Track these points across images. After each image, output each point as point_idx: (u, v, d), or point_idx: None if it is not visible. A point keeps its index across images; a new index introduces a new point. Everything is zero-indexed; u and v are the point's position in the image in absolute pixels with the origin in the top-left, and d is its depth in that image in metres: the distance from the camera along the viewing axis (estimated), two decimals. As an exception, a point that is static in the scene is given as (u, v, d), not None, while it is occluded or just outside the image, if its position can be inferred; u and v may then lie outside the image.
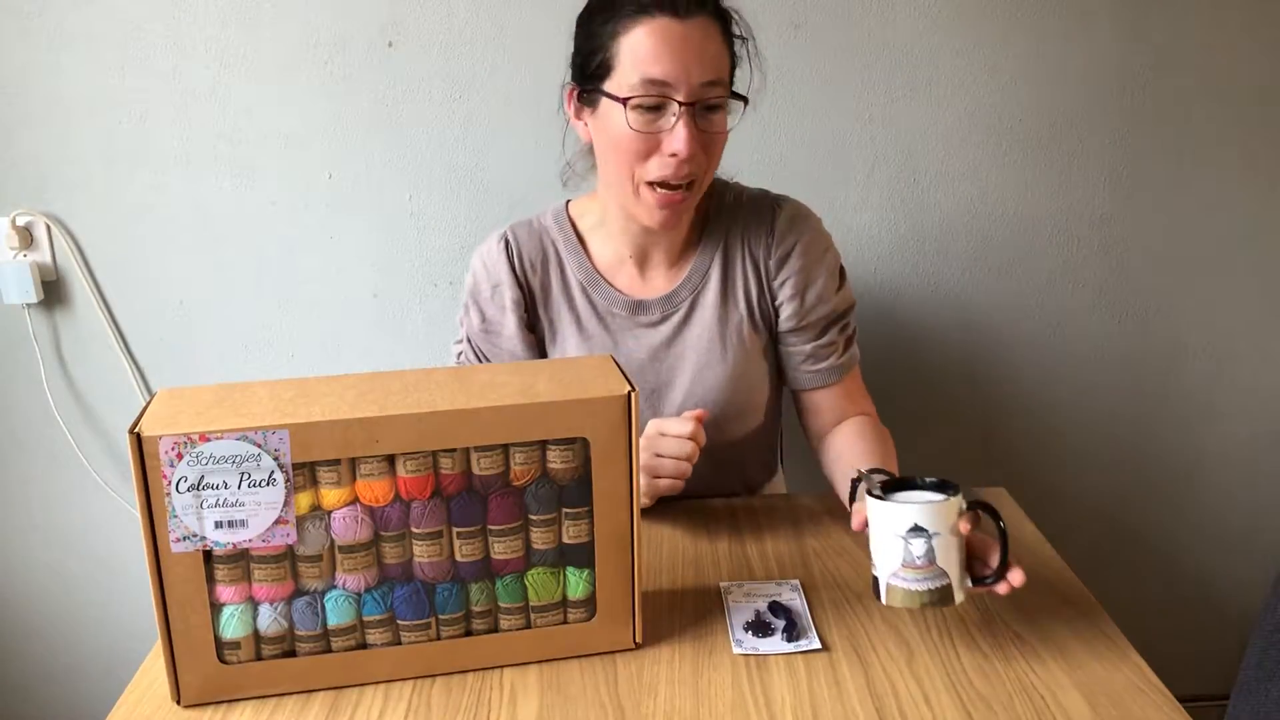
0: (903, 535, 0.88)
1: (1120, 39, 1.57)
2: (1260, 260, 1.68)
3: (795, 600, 1.02)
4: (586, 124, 1.13)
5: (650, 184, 1.08)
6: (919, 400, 1.72)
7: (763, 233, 1.20)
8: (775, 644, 0.95)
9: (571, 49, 1.13)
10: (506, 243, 1.22)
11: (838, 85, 1.57)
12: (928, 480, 0.94)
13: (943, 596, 0.90)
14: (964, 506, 0.90)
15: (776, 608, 1.00)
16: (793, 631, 0.96)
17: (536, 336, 1.23)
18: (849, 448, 1.18)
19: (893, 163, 1.61)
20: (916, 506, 0.88)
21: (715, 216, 1.21)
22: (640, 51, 1.03)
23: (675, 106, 1.04)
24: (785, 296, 1.21)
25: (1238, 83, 1.59)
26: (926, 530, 0.87)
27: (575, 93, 1.12)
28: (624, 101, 1.04)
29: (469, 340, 1.25)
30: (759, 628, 0.97)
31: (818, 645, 0.94)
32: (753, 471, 1.34)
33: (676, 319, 1.21)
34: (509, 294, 1.21)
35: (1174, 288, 1.69)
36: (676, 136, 1.04)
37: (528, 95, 1.56)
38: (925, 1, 1.54)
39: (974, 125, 1.60)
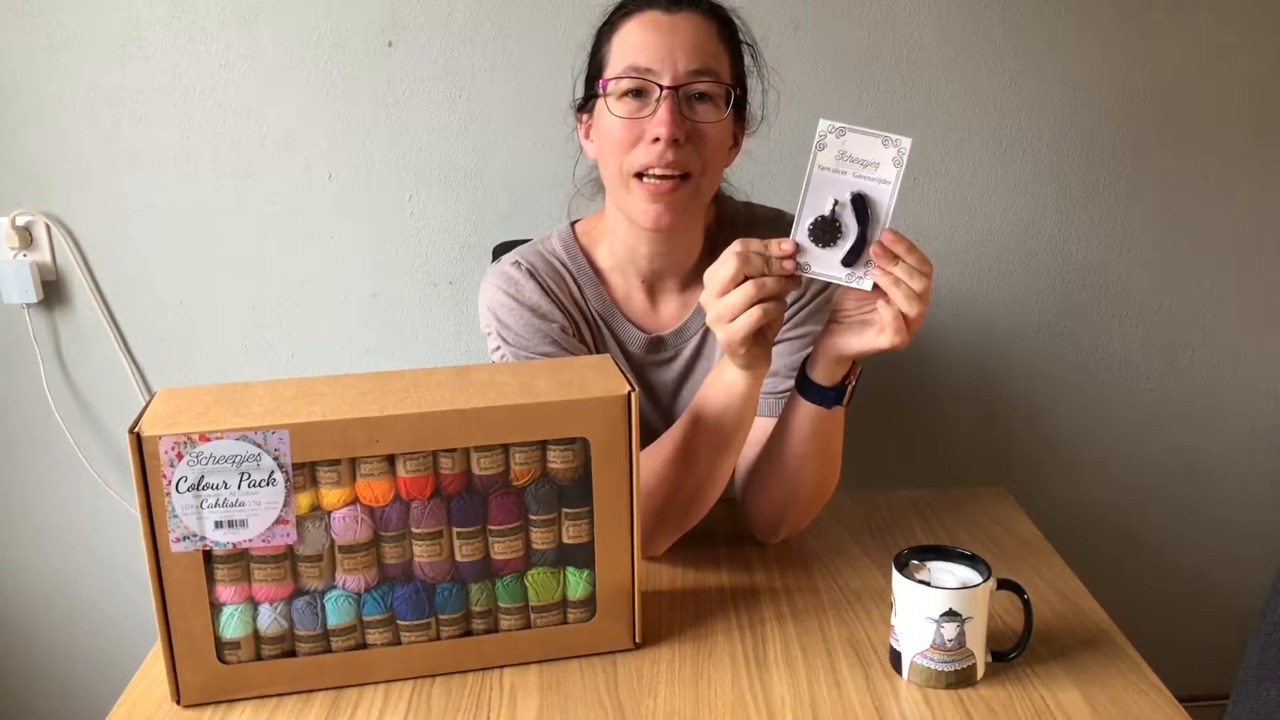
0: (936, 619, 0.87)
1: (1120, 39, 1.57)
2: (1260, 260, 1.68)
3: (885, 187, 0.89)
4: (592, 140, 1.12)
5: (638, 176, 1.05)
6: (919, 400, 1.72)
7: None
8: (829, 262, 0.90)
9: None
10: (530, 272, 1.14)
11: (838, 85, 1.57)
12: (958, 551, 0.93)
13: (967, 677, 0.89)
14: (995, 587, 0.89)
15: (860, 202, 0.89)
16: (855, 254, 0.89)
17: None
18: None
19: (893, 163, 1.61)
20: (953, 592, 0.87)
21: (725, 244, 1.17)
22: (628, 44, 1.05)
23: (657, 92, 1.03)
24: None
25: (1237, 82, 1.59)
26: (960, 615, 0.87)
27: (579, 109, 1.13)
28: (604, 85, 1.05)
29: None
30: (825, 230, 0.89)
31: (868, 285, 0.90)
32: None
33: (687, 354, 1.18)
34: (561, 324, 1.13)
35: (1174, 288, 1.69)
36: (657, 119, 1.03)
37: (528, 95, 1.56)
38: (925, 1, 1.54)
39: (974, 125, 1.60)
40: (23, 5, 1.49)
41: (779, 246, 0.91)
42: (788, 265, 0.90)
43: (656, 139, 1.03)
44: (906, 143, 0.87)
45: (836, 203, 0.90)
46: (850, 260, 0.90)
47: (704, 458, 1.03)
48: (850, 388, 1.02)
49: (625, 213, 1.10)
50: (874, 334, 0.93)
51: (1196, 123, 1.61)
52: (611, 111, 1.05)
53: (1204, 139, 1.62)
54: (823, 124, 0.88)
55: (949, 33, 1.55)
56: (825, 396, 1.01)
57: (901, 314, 0.90)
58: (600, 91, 1.07)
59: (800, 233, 0.91)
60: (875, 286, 0.90)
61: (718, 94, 1.05)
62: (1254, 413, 1.76)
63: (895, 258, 0.89)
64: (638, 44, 1.04)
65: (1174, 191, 1.64)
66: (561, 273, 1.16)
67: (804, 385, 1.02)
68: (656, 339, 1.17)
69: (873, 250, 0.89)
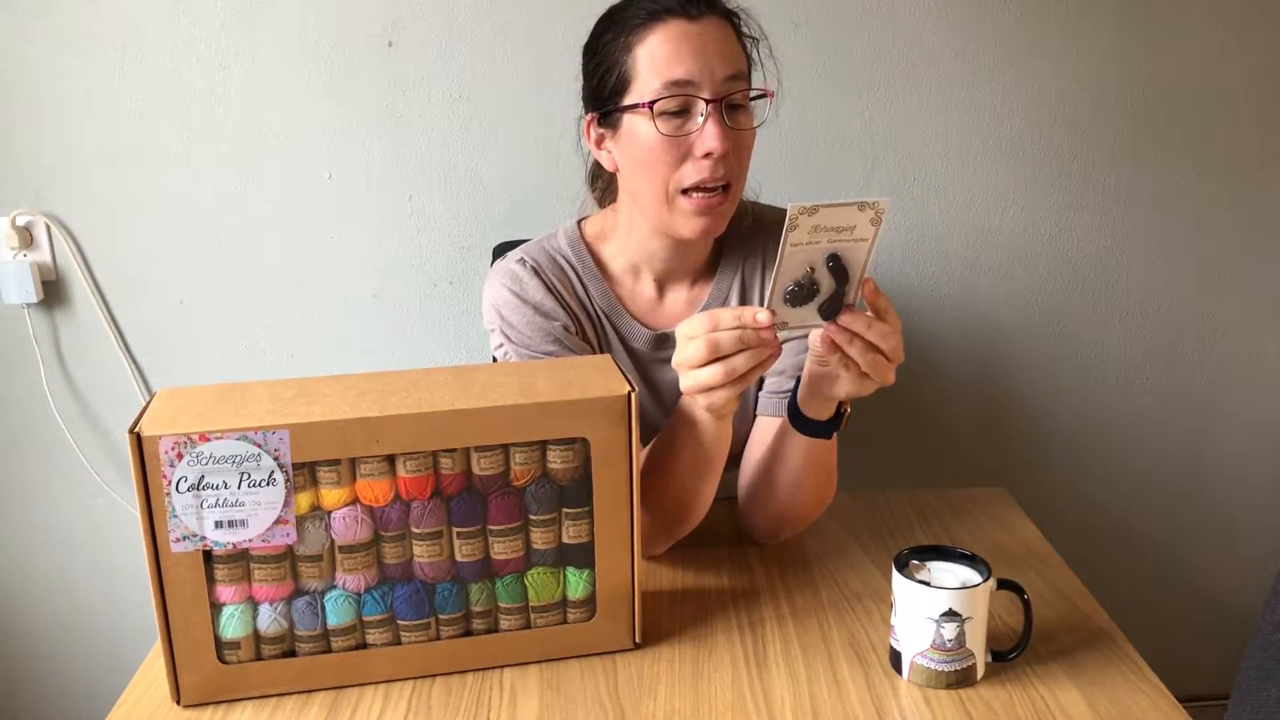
0: (936, 619, 0.87)
1: (1120, 38, 1.57)
2: (1260, 260, 1.68)
3: (861, 245, 0.86)
4: (609, 151, 1.09)
5: (685, 191, 1.04)
6: (918, 400, 1.72)
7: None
8: (808, 314, 0.88)
9: (581, 81, 1.11)
10: (535, 270, 1.13)
11: (838, 85, 1.57)
12: (958, 551, 0.93)
13: (967, 677, 0.89)
14: (995, 587, 0.89)
15: (835, 262, 0.86)
16: (834, 307, 0.87)
17: None
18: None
19: (893, 163, 1.61)
20: (953, 592, 0.87)
21: (732, 242, 1.17)
22: (658, 57, 1.01)
23: (702, 106, 1.01)
24: None
25: (1237, 82, 1.59)
26: (960, 615, 0.87)
27: (594, 120, 1.09)
28: (650, 106, 1.01)
29: None
30: (801, 293, 0.87)
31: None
32: None
33: None
34: (565, 323, 1.12)
35: (1174, 287, 1.69)
36: (708, 135, 1.01)
37: (528, 95, 1.56)
38: (925, 1, 1.54)
39: (974, 125, 1.60)
40: (23, 5, 1.49)
41: (754, 317, 0.87)
42: (765, 335, 0.88)
43: (708, 154, 1.01)
44: (884, 204, 0.84)
45: (812, 269, 0.87)
46: (828, 312, 0.88)
47: (682, 478, 1.03)
48: (845, 417, 1.02)
49: (666, 227, 1.08)
50: (841, 383, 0.94)
51: (1196, 123, 1.61)
52: (658, 130, 1.02)
53: (1204, 139, 1.62)
54: (792, 208, 0.82)
55: (950, 33, 1.55)
56: (820, 429, 1.02)
57: (856, 363, 0.90)
58: (632, 109, 1.03)
59: (776, 301, 0.88)
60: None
61: (748, 100, 1.05)
62: (1254, 413, 1.76)
63: (861, 319, 0.88)
64: (669, 57, 1.01)
65: (1174, 191, 1.64)
66: (566, 270, 1.16)
67: (797, 420, 1.02)
68: (661, 335, 1.17)
69: (840, 318, 0.88)
